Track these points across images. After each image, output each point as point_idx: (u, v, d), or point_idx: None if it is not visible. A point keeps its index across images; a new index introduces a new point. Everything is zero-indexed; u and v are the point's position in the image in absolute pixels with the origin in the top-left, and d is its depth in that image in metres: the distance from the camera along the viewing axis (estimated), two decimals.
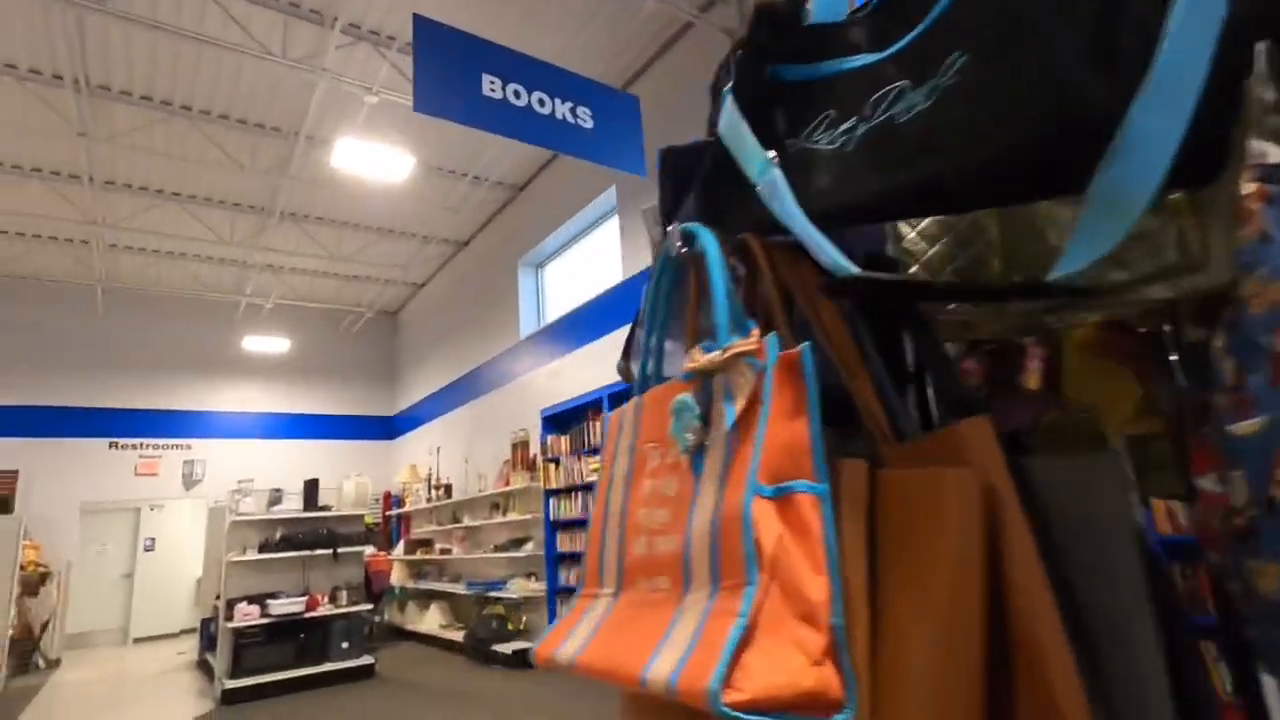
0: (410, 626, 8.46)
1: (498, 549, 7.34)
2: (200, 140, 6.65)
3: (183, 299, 10.73)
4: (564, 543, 6.31)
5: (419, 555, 8.89)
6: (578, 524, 6.20)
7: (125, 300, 10.29)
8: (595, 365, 6.41)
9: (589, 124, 4.51)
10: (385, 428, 12.02)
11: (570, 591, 6.14)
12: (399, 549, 9.45)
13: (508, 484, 7.43)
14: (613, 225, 6.89)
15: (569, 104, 4.41)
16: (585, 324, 6.66)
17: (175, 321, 10.60)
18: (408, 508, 9.73)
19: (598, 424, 5.92)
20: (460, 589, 7.64)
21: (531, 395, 7.55)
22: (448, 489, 8.83)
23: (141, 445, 10.04)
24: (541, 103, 4.26)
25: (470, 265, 9.52)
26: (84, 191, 7.30)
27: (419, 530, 9.51)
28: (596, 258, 7.23)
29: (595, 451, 5.98)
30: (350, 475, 7.02)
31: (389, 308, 12.18)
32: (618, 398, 5.84)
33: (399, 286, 11.10)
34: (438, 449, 9.28)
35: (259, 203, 8.09)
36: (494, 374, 8.50)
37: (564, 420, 6.68)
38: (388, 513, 10.57)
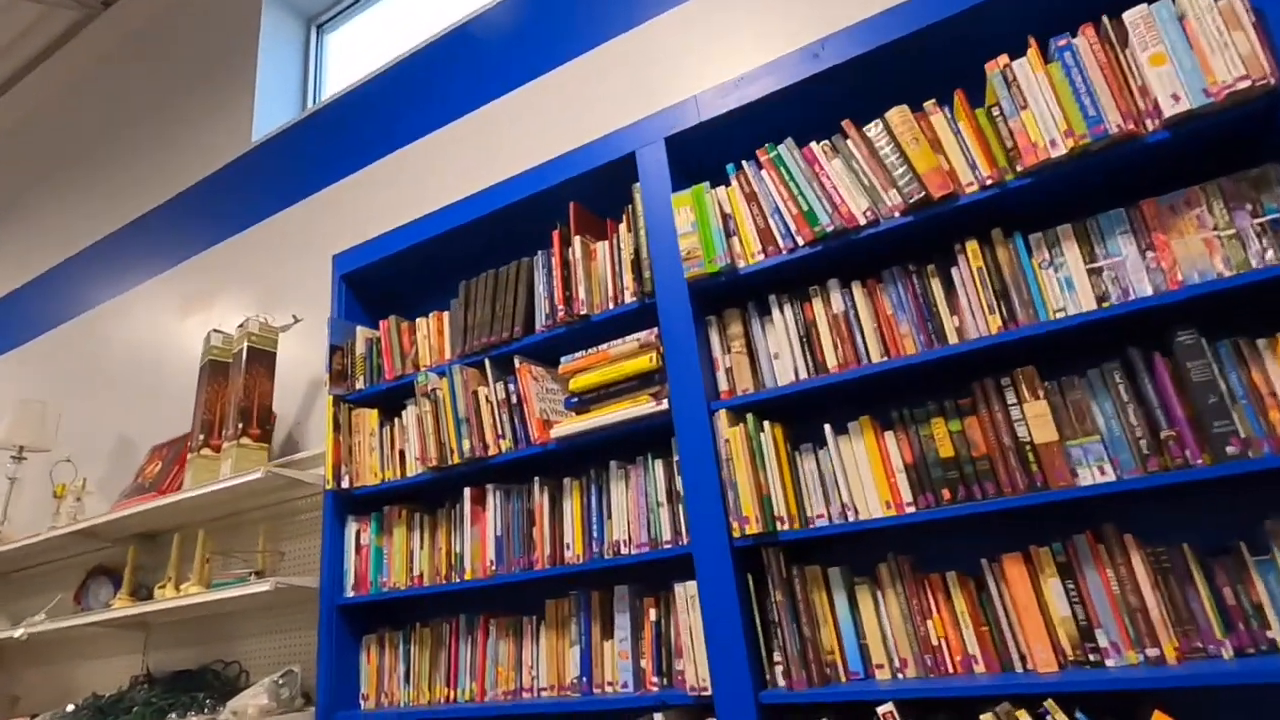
0: None
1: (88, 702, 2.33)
2: None
3: None
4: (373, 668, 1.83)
5: None
6: (432, 600, 1.85)
7: None
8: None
9: None
10: None
11: None
12: None
13: (167, 489, 2.52)
14: None
15: None
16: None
17: None
18: None
19: (600, 249, 1.76)
20: None
21: (272, 247, 2.86)
22: None
23: None
24: None
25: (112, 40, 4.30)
26: None
27: None
28: None
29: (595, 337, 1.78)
30: None
31: None
32: (679, 148, 1.75)
33: None
34: None
35: None
36: (154, 231, 3.46)
37: (407, 275, 2.27)
38: None
